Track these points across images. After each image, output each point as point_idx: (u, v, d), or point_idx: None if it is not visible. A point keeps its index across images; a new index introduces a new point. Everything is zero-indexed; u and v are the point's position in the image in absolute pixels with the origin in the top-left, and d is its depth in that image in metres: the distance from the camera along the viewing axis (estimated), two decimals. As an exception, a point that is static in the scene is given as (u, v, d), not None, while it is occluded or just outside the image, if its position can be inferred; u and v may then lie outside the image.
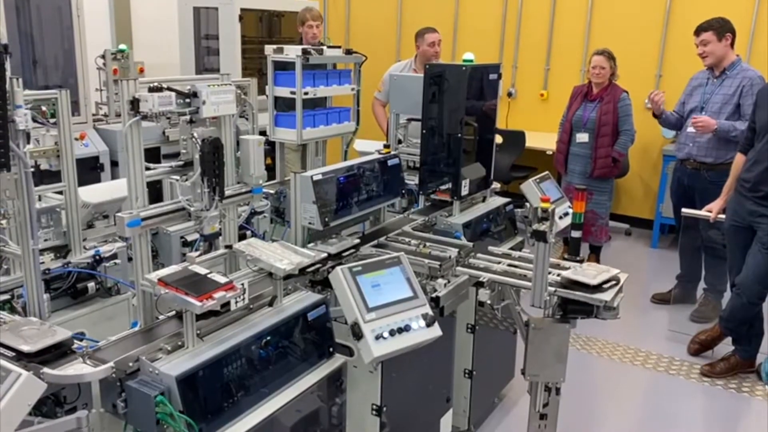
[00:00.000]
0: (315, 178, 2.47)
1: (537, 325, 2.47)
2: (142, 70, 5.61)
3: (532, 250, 2.44)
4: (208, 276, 1.88)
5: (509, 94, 7.16)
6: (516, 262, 2.73)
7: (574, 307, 2.45)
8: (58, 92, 2.33)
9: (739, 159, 3.96)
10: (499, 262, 2.74)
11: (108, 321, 2.53)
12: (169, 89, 1.89)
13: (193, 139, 1.98)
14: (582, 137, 5.25)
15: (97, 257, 2.54)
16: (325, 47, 2.95)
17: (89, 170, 4.76)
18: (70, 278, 2.46)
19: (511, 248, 3.43)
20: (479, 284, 2.94)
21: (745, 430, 3.60)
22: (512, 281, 2.58)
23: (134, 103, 1.83)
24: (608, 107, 5.14)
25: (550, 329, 2.47)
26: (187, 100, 1.96)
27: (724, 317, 4.00)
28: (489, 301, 2.60)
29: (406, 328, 2.06)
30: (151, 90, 1.84)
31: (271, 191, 3.04)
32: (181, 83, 1.97)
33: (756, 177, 3.72)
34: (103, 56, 5.32)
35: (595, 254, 5.55)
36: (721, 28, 4.37)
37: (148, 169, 1.98)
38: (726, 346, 4.12)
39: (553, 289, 2.44)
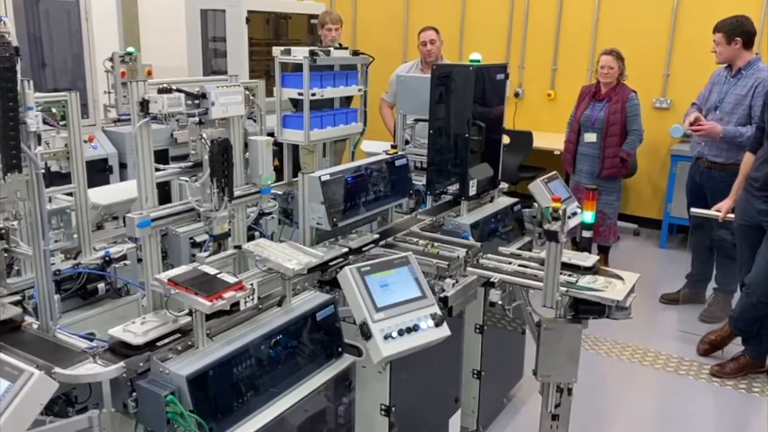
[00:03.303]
0: (323, 178, 2.48)
1: (549, 326, 2.46)
2: (150, 73, 5.65)
3: (541, 249, 2.44)
4: (218, 276, 1.89)
5: (516, 95, 7.15)
6: (526, 263, 2.72)
7: (585, 307, 2.44)
8: (68, 94, 2.34)
9: (747, 158, 3.95)
10: (510, 263, 2.73)
11: (118, 321, 2.52)
12: (179, 90, 1.90)
13: (203, 140, 1.99)
14: (590, 137, 5.25)
15: (107, 258, 2.55)
16: (331, 48, 2.96)
17: (98, 172, 4.79)
18: (81, 279, 2.47)
19: (520, 248, 3.42)
20: (488, 284, 2.94)
21: (755, 430, 3.58)
22: (523, 281, 2.56)
23: (144, 105, 1.84)
24: (616, 107, 5.13)
25: (561, 329, 2.45)
26: (196, 102, 1.96)
27: (734, 317, 3.98)
28: (500, 302, 2.58)
29: (415, 328, 2.07)
30: (161, 91, 1.85)
31: (279, 192, 3.05)
32: (190, 84, 1.98)
33: (765, 176, 3.71)
34: (111, 59, 5.35)
35: (603, 254, 5.53)
36: (732, 31, 4.31)
37: (157, 170, 1.99)
38: (736, 346, 4.10)
39: (564, 289, 2.42)
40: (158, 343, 1.86)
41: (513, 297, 2.67)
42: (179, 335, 1.90)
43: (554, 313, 2.46)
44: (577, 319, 2.46)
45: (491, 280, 2.59)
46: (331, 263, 2.48)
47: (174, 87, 1.90)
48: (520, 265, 2.70)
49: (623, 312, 2.42)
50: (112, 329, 1.90)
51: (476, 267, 2.68)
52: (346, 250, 2.57)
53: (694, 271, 4.95)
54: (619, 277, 2.57)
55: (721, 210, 4.06)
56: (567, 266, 2.55)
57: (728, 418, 3.66)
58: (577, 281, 2.50)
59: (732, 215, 4.00)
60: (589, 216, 2.77)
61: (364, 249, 2.65)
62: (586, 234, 2.88)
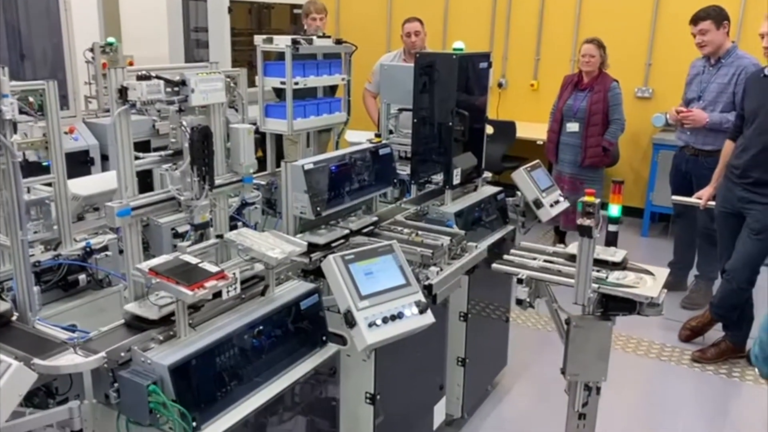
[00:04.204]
0: (306, 167, 2.47)
1: (578, 323, 2.39)
2: (131, 64, 5.57)
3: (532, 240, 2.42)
4: (199, 265, 1.87)
5: (500, 85, 7.16)
6: (551, 258, 2.65)
7: (615, 303, 2.38)
8: (45, 83, 2.31)
9: (728, 146, 3.99)
10: (534, 258, 2.65)
11: (100, 313, 2.51)
12: (158, 77, 1.87)
13: (183, 128, 1.97)
14: (572, 126, 5.26)
15: (88, 249, 2.52)
16: (314, 37, 2.94)
17: (79, 164, 4.73)
18: (61, 270, 2.44)
19: (503, 237, 3.44)
20: (470, 272, 2.94)
21: (735, 413, 3.64)
22: (553, 278, 2.48)
23: (122, 92, 1.82)
24: (599, 96, 5.15)
25: (591, 327, 2.38)
26: (176, 89, 1.94)
27: (715, 303, 4.03)
28: (527, 299, 2.49)
29: (399, 316, 2.06)
30: (140, 78, 1.83)
31: (263, 182, 3.03)
32: (170, 72, 1.96)
33: (745, 163, 3.75)
34: (91, 49, 5.27)
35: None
36: (719, 15, 4.34)
37: (137, 158, 1.97)
38: (716, 332, 4.15)
39: (596, 285, 2.35)
40: (172, 317, 1.89)
41: (537, 293, 2.56)
42: (192, 310, 1.92)
43: (581, 310, 2.38)
44: (607, 316, 2.40)
45: (518, 276, 2.48)
46: (332, 245, 2.53)
47: (153, 74, 1.87)
48: (545, 261, 2.62)
49: (655, 309, 2.35)
50: (128, 305, 1.95)
51: (501, 263, 2.60)
52: (347, 231, 2.61)
53: (676, 259, 5.00)
54: (649, 272, 2.51)
55: (702, 197, 4.11)
56: (594, 261, 2.43)
57: (709, 402, 3.72)
58: (607, 277, 2.43)
59: (713, 203, 4.04)
60: (615, 210, 2.67)
61: (364, 231, 2.71)
62: (613, 228, 2.79)
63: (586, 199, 2.24)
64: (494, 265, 2.61)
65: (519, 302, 2.50)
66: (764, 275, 3.87)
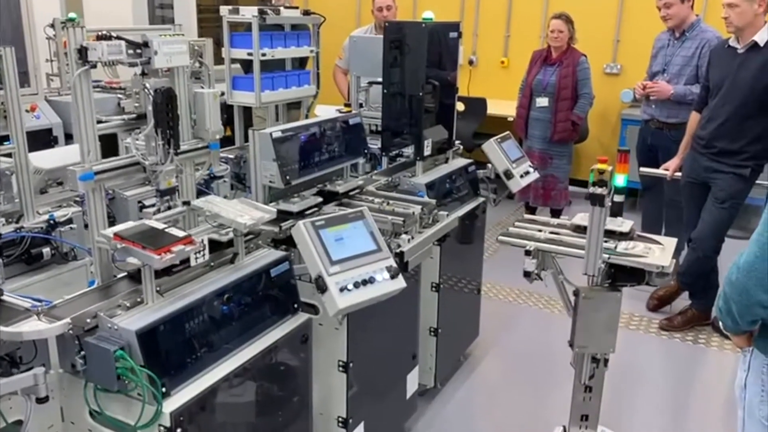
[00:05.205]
0: (275, 135, 2.44)
1: (588, 295, 2.36)
2: (94, 41, 5.42)
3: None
4: (166, 230, 1.84)
5: (470, 62, 7.15)
6: (557, 229, 2.63)
7: (623, 274, 2.36)
8: (2, 49, 2.24)
9: (693, 117, 4.05)
10: (540, 230, 2.62)
11: (65, 287, 2.45)
12: (119, 38, 1.82)
13: (146, 90, 1.92)
14: (542, 101, 5.29)
15: (52, 222, 2.47)
16: (281, 7, 2.89)
17: (42, 144, 4.60)
18: (24, 243, 2.38)
19: (474, 209, 3.46)
20: (442, 241, 2.93)
21: (702, 378, 3.73)
22: (563, 249, 2.46)
23: (82, 52, 1.76)
24: (567, 71, 5.18)
25: (600, 298, 2.36)
26: (138, 51, 1.89)
27: (681, 272, 4.10)
28: (535, 271, 2.46)
29: (371, 280, 2.05)
30: (100, 38, 1.78)
31: (231, 156, 2.99)
32: (133, 33, 1.91)
33: (710, 134, 3.81)
34: (52, 25, 5.11)
35: (556, 218, 5.62)
36: None
37: (100, 122, 1.92)
38: (683, 301, 4.24)
39: (606, 256, 2.33)
40: (174, 269, 1.85)
41: (543, 266, 2.52)
42: (184, 265, 1.89)
43: (588, 280, 2.35)
44: (615, 287, 2.38)
45: (526, 248, 2.44)
46: (305, 213, 2.51)
47: (114, 34, 1.82)
48: (551, 233, 2.59)
49: (664, 278, 2.34)
50: (130, 257, 1.87)
51: (507, 235, 2.57)
52: (320, 200, 2.61)
53: (644, 232, 5.06)
54: (656, 242, 2.50)
55: (669, 169, 4.17)
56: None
57: (676, 368, 3.80)
58: (615, 247, 2.41)
59: (680, 173, 4.10)
60: (621, 179, 2.64)
61: (351, 193, 2.78)
62: (618, 198, 2.78)
63: (599, 166, 2.21)
64: (500, 238, 2.58)
65: (526, 275, 2.45)
66: (729, 244, 3.94)
